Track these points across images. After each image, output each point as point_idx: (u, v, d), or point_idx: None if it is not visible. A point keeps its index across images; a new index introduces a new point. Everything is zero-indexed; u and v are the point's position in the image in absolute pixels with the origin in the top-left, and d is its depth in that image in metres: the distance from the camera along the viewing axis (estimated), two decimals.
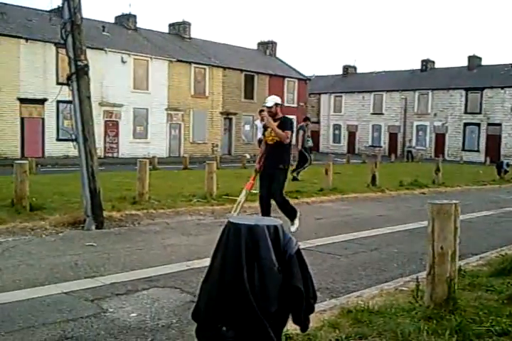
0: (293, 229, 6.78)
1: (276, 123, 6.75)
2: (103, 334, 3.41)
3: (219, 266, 2.29)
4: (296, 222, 6.97)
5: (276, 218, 3.50)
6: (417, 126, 43.65)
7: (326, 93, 49.02)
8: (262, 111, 15.77)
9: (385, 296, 4.04)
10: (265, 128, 6.97)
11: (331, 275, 4.97)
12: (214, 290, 2.28)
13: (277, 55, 43.94)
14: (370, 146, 45.69)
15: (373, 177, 12.98)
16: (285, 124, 6.83)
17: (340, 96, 48.28)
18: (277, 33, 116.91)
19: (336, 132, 48.62)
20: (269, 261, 2.23)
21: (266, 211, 7.03)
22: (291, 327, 2.79)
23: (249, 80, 37.40)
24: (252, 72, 37.49)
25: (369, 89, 46.18)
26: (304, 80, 41.78)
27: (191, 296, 4.25)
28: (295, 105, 40.75)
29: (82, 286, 4.41)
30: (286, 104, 39.84)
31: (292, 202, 7.73)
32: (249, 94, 37.50)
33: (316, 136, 47.53)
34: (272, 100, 6.90)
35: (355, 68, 51.33)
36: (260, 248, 2.23)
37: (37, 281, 4.50)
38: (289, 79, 40.38)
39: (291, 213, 7.02)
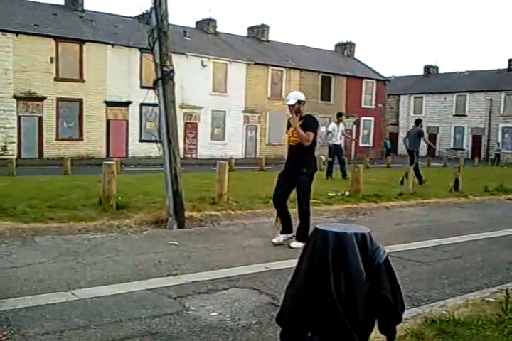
0: (294, 244, 6.07)
1: (299, 122, 6.11)
2: (186, 331, 3.52)
3: (305, 272, 2.30)
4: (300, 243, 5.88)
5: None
6: (503, 128, 41.52)
7: (405, 94, 47.75)
8: (340, 114, 15.56)
9: (471, 307, 3.88)
10: (288, 126, 6.35)
11: (412, 282, 4.83)
12: (299, 296, 2.29)
13: (355, 56, 43.36)
14: (452, 149, 43.99)
15: (456, 182, 12.47)
16: (308, 124, 6.15)
17: (421, 97, 46.85)
18: (356, 33, 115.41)
19: None
20: (357, 268, 2.21)
21: (283, 215, 6.45)
22: (372, 335, 2.75)
23: (326, 82, 37.15)
24: (329, 73, 37.22)
25: (451, 89, 44.48)
26: (382, 81, 40.93)
27: (270, 298, 4.29)
28: (373, 107, 40.03)
29: (165, 284, 4.57)
30: (363, 106, 39.31)
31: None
32: (326, 95, 37.25)
33: (394, 138, 46.42)
34: (295, 97, 6.23)
35: (436, 68, 49.66)
36: (348, 255, 2.22)
37: (123, 277, 4.71)
38: (367, 80, 39.71)
39: (304, 227, 6.18)
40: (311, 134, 6.12)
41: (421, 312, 3.75)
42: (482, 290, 4.61)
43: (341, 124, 15.17)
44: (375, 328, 2.47)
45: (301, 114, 6.20)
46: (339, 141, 15.04)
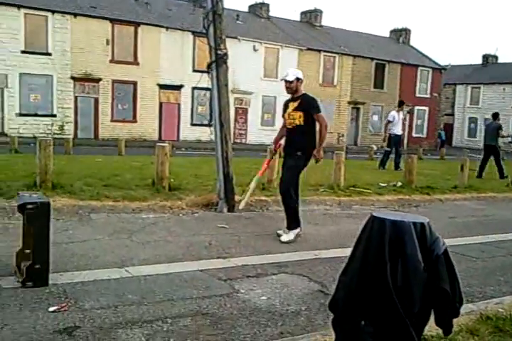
0: (284, 238, 5.69)
1: (296, 103, 5.72)
2: (235, 313, 3.56)
3: (360, 260, 2.26)
4: (292, 235, 5.71)
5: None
6: None
7: (462, 84, 46.13)
8: (402, 102, 14.91)
9: None
10: (285, 109, 5.89)
11: (467, 278, 4.69)
12: (353, 284, 2.26)
13: (411, 43, 42.21)
14: (510, 142, 42.32)
15: None
16: (309, 104, 5.73)
17: (478, 87, 45.17)
18: (412, 19, 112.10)
19: (472, 126, 45.63)
20: (415, 258, 2.15)
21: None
22: (427, 328, 2.68)
23: (379, 69, 36.39)
24: (383, 60, 36.42)
25: (511, 80, 42.65)
26: (438, 69, 39.72)
27: (319, 285, 4.28)
28: (428, 96, 38.98)
29: (215, 266, 4.62)
30: (418, 95, 38.30)
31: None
32: (379, 83, 36.53)
33: (449, 129, 45.11)
34: (293, 73, 5.73)
35: (496, 57, 47.67)
36: (405, 244, 2.16)
37: (175, 257, 4.80)
38: (423, 68, 38.63)
39: (291, 218, 5.79)
40: (321, 115, 5.76)
41: (476, 309, 3.65)
42: None
43: (401, 113, 14.53)
44: (431, 320, 2.41)
45: (298, 93, 5.79)
46: (400, 131, 14.33)
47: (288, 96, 5.96)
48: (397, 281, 2.17)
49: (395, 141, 14.20)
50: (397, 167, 14.12)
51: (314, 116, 5.71)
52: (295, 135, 5.73)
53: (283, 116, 5.91)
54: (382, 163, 14.28)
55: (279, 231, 5.89)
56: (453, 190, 10.53)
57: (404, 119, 14.60)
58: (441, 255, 2.29)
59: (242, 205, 6.26)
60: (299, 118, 5.69)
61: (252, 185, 6.21)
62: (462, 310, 3.63)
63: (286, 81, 5.72)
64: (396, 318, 2.19)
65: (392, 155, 14.53)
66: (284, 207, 5.88)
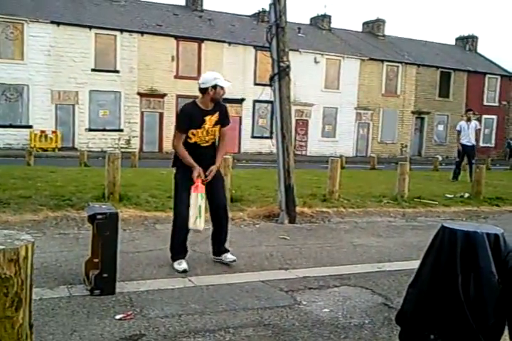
0: (232, 257, 4.91)
1: (215, 116, 4.69)
2: (297, 325, 3.53)
3: (429, 272, 2.20)
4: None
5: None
6: None
7: None
8: (469, 110, 14.35)
9: None
10: (197, 123, 4.64)
11: None
12: (422, 296, 2.20)
13: (478, 50, 40.85)
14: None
15: None
16: (227, 116, 4.86)
17: None
18: (479, 26, 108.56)
19: None
20: (488, 271, 2.08)
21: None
22: None
23: (444, 77, 35.43)
24: (449, 68, 35.46)
25: None
26: (508, 77, 38.20)
27: (383, 298, 4.18)
28: (496, 104, 37.52)
29: (276, 277, 4.62)
30: (485, 103, 36.94)
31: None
32: (444, 92, 35.55)
33: None
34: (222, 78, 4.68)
35: None
36: (478, 256, 2.09)
37: (237, 268, 4.83)
38: (491, 75, 37.27)
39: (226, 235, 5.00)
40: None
41: None
42: None
43: (473, 122, 13.88)
44: (505, 334, 2.31)
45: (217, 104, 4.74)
46: (471, 141, 13.58)
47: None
48: (469, 294, 2.10)
49: (464, 151, 13.62)
50: (455, 177, 13.61)
51: (224, 129, 4.84)
52: (211, 151, 4.82)
53: (191, 132, 4.64)
54: (455, 174, 13.81)
55: (228, 256, 4.92)
56: None
57: (478, 129, 13.92)
58: None
59: (200, 226, 4.66)
60: (217, 134, 4.81)
61: (200, 203, 4.62)
62: None
63: (222, 87, 4.65)
64: (468, 332, 2.11)
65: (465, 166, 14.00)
66: (224, 223, 4.94)
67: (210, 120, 4.68)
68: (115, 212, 4.02)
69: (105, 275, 3.88)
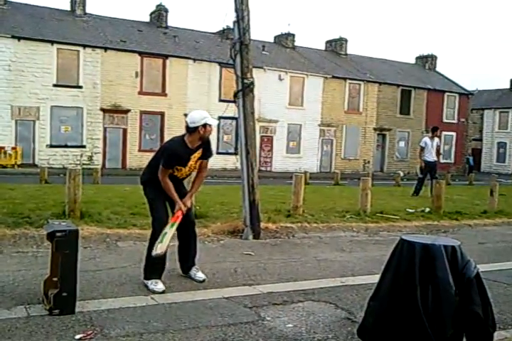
0: (202, 275, 4.93)
1: (198, 152, 4.78)
2: None
3: (389, 284, 2.24)
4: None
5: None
6: None
7: (490, 108, 45.66)
8: (435, 129, 14.66)
9: None
10: (184, 161, 4.71)
11: (498, 305, 4.54)
12: (383, 309, 2.23)
13: (437, 69, 42.14)
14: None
15: None
16: (210, 151, 4.94)
17: (507, 111, 44.60)
18: (438, 45, 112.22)
19: (501, 151, 44.92)
20: (446, 282, 2.12)
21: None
22: None
23: (405, 95, 36.34)
24: (409, 86, 36.40)
25: None
26: (465, 95, 39.44)
27: (346, 313, 4.21)
28: (455, 121, 38.62)
29: (241, 293, 4.59)
30: (445, 120, 37.96)
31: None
32: (405, 109, 36.42)
33: (477, 154, 44.47)
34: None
35: None
36: (436, 268, 2.13)
37: (200, 285, 4.79)
38: (450, 93, 38.43)
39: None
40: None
41: (509, 336, 3.55)
42: None
43: (436, 139, 14.22)
44: None
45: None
46: (433, 157, 13.91)
47: None
48: (427, 305, 2.14)
49: (427, 167, 13.89)
50: (416, 192, 13.89)
51: (205, 160, 4.93)
52: (183, 180, 4.99)
53: (175, 168, 4.70)
54: (416, 190, 14.05)
55: (198, 274, 4.93)
56: (482, 215, 10.33)
57: (438, 146, 14.27)
58: (473, 278, 2.26)
59: (161, 250, 4.49)
60: (197, 167, 4.92)
61: (167, 229, 4.59)
62: (496, 337, 3.54)
63: (211, 125, 4.71)
64: None
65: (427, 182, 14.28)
66: (193, 240, 4.97)
67: (194, 157, 4.76)
68: (75, 229, 3.95)
69: (65, 294, 3.79)
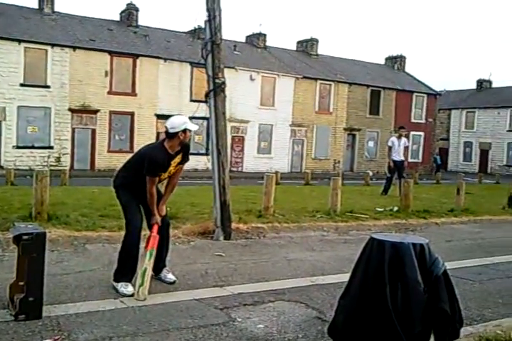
0: (173, 277, 4.93)
1: (178, 158, 4.71)
2: None
3: (359, 283, 2.26)
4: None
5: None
6: None
7: (457, 108, 46.61)
8: (402, 127, 14.91)
9: None
10: (166, 169, 4.67)
11: (464, 301, 4.64)
12: (353, 307, 2.26)
13: (406, 70, 42.78)
14: (505, 166, 42.51)
15: (510, 199, 12.04)
16: (188, 154, 4.86)
17: (473, 111, 45.62)
18: (407, 46, 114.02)
19: (467, 150, 45.92)
20: (414, 280, 2.16)
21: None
22: None
23: (375, 96, 36.78)
24: (379, 87, 36.85)
25: (505, 104, 43.07)
26: (433, 95, 40.16)
27: (317, 312, 4.24)
28: (423, 121, 39.28)
29: (211, 294, 4.58)
30: (413, 120, 38.58)
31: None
32: (374, 109, 36.86)
33: (444, 153, 45.33)
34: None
35: (490, 82, 48.30)
36: (405, 266, 2.17)
37: (171, 286, 4.76)
38: (418, 94, 39.05)
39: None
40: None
41: (474, 332, 3.62)
42: None
43: (403, 139, 14.31)
44: None
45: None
46: (400, 156, 14.10)
47: None
48: (397, 303, 2.17)
49: (395, 166, 14.08)
50: (385, 191, 14.09)
51: (181, 167, 4.87)
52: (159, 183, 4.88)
53: (160, 175, 4.65)
54: (385, 189, 14.25)
55: (169, 276, 4.93)
56: (449, 213, 10.55)
57: (407, 146, 14.44)
58: (440, 276, 2.30)
59: (144, 295, 4.38)
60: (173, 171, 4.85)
61: (146, 263, 4.55)
62: (461, 333, 3.62)
63: (190, 131, 4.66)
64: (396, 340, 2.17)
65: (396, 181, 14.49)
66: (166, 241, 4.93)
67: (174, 162, 4.73)
68: (42, 232, 3.87)
69: (31, 298, 3.71)
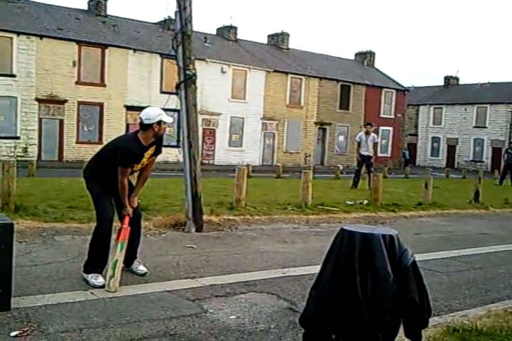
0: (144, 268, 4.89)
1: (151, 149, 4.66)
2: (204, 333, 3.52)
3: (330, 273, 2.29)
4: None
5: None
6: None
7: (425, 104, 47.42)
8: (368, 124, 15.16)
9: (493, 317, 3.82)
10: (139, 160, 4.61)
11: (432, 292, 4.72)
12: (324, 297, 2.28)
13: (376, 66, 43.22)
14: (471, 161, 43.54)
15: (476, 193, 12.33)
16: (161, 146, 4.82)
17: (441, 108, 46.49)
18: (376, 42, 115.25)
19: (435, 145, 46.83)
20: (384, 270, 2.19)
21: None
22: (396, 339, 2.71)
23: (345, 90, 37.08)
24: (349, 82, 37.16)
25: (472, 101, 44.05)
26: (402, 91, 40.73)
27: (288, 303, 4.27)
28: (392, 116, 39.82)
29: (183, 286, 4.57)
30: (382, 115, 39.10)
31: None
32: (344, 104, 37.18)
33: (412, 148, 46.10)
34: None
35: (457, 79, 49.24)
36: (375, 257, 2.20)
37: (142, 278, 4.73)
38: (387, 89, 39.54)
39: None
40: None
41: (442, 322, 3.71)
42: (504, 301, 4.55)
43: (372, 134, 14.54)
44: (401, 332, 2.44)
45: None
46: (367, 151, 14.34)
47: None
48: (367, 293, 2.20)
49: (362, 160, 14.36)
50: (354, 185, 14.29)
51: (153, 159, 4.83)
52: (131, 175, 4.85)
53: (132, 166, 4.60)
54: (354, 183, 14.45)
55: (140, 267, 4.90)
56: (417, 207, 10.75)
57: (376, 142, 14.71)
58: (409, 266, 2.34)
59: (115, 287, 4.35)
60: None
61: (117, 255, 4.52)
62: (429, 323, 3.70)
63: (166, 123, 4.59)
64: (366, 330, 2.21)
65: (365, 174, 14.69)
66: (137, 233, 4.88)
67: (148, 154, 4.68)
68: (10, 223, 3.79)
69: None
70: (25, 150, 25.08)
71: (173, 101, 7.39)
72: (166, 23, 29.96)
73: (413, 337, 2.40)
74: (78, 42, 26.45)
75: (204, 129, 29.98)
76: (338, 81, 36.62)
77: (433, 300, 4.48)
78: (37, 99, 25.54)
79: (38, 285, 4.32)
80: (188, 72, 6.95)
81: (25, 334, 3.29)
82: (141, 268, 4.87)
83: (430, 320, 3.83)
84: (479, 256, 6.72)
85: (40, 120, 25.79)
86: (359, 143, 14.48)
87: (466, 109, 44.39)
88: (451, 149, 45.52)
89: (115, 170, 4.54)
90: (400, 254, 2.28)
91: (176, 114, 8.02)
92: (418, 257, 6.15)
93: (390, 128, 39.78)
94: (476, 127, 43.79)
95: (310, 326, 2.35)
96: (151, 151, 4.69)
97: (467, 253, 6.86)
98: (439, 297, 4.66)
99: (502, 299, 4.67)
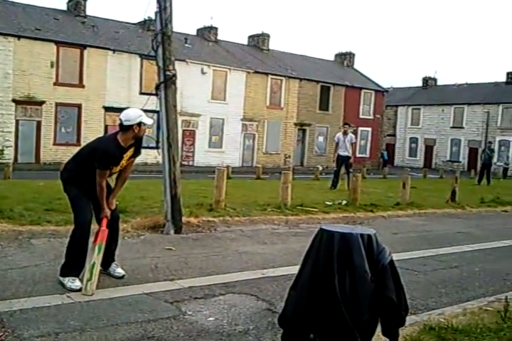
0: (122, 271, 4.84)
1: (130, 151, 4.61)
2: (182, 336, 3.50)
3: (309, 273, 2.30)
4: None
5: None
6: (500, 141, 41.62)
7: (403, 105, 47.95)
8: (345, 124, 15.30)
9: (469, 315, 3.88)
10: (118, 162, 4.55)
11: (409, 291, 4.77)
12: (303, 297, 2.29)
13: (355, 67, 43.55)
14: (449, 161, 44.13)
15: (453, 193, 12.50)
16: (140, 148, 4.74)
17: (419, 108, 47.05)
18: (356, 43, 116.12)
19: (413, 145, 47.37)
20: (362, 269, 2.21)
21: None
22: (374, 337, 2.73)
23: (324, 91, 37.29)
24: (328, 83, 37.37)
25: (449, 101, 44.69)
26: (381, 92, 41.11)
27: (267, 304, 4.28)
28: (371, 117, 40.16)
29: (161, 288, 4.54)
30: (361, 116, 39.42)
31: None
32: (324, 105, 37.38)
33: (391, 149, 46.54)
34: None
35: (435, 80, 49.89)
36: (353, 256, 2.22)
37: (119, 281, 4.68)
38: (366, 90, 39.87)
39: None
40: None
41: (419, 320, 3.75)
42: (480, 299, 4.62)
43: (350, 135, 14.71)
44: (378, 330, 2.46)
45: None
46: (346, 152, 14.45)
47: None
48: (345, 292, 2.21)
49: (340, 160, 14.49)
50: (333, 185, 14.40)
51: (132, 160, 4.76)
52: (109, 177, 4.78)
53: (110, 168, 4.51)
54: (333, 183, 14.55)
55: (118, 270, 4.86)
56: (395, 207, 10.86)
57: (354, 143, 14.84)
58: (387, 265, 2.36)
59: (93, 291, 4.31)
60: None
61: (94, 257, 4.47)
62: (406, 322, 3.73)
63: (145, 124, 4.52)
64: (344, 329, 2.22)
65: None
66: (115, 235, 4.85)
67: (127, 156, 4.63)
68: None
69: None
70: (1, 152, 24.67)
71: (153, 103, 7.35)
72: (145, 24, 29.79)
73: (390, 335, 2.43)
74: (57, 42, 26.14)
75: (184, 130, 29.87)
76: (318, 82, 36.81)
77: (410, 298, 4.53)
78: (14, 101, 25.17)
79: (14, 290, 4.25)
80: (168, 72, 6.91)
81: None
82: (119, 271, 4.83)
83: (407, 318, 3.87)
84: (455, 255, 6.81)
85: (17, 122, 25.42)
86: (337, 144, 14.62)
87: (443, 110, 45.00)
88: (429, 149, 46.08)
89: (93, 172, 4.49)
90: (378, 253, 2.30)
91: (155, 115, 7.97)
92: (396, 256, 6.20)
93: (369, 129, 40.13)
94: (453, 127, 44.41)
95: (288, 326, 2.36)
96: (130, 153, 4.64)
97: (444, 252, 6.95)
98: (416, 295, 4.71)
99: (477, 297, 4.74)
